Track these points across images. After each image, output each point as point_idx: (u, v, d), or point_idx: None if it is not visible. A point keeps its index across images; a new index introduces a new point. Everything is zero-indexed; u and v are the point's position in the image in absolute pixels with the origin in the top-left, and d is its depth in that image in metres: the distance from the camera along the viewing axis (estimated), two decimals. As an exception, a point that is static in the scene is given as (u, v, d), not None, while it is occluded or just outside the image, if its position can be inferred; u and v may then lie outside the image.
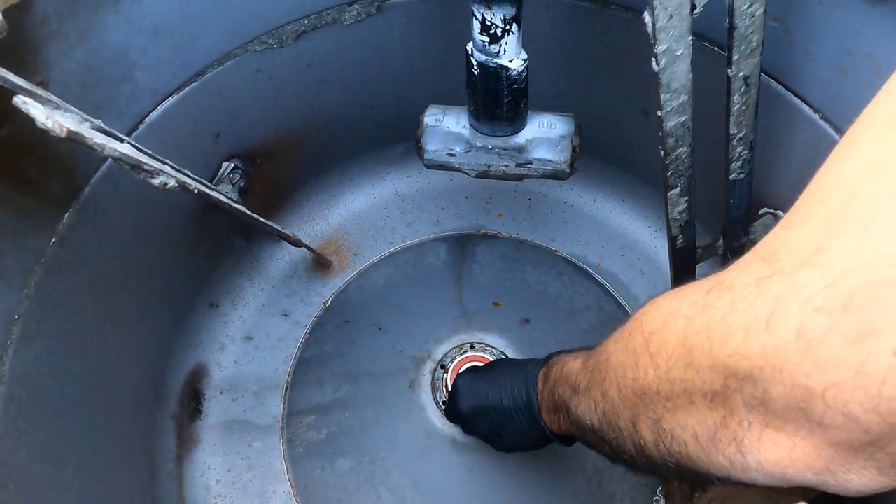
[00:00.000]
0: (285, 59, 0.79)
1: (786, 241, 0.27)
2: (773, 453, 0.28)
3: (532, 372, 0.62)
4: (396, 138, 1.02)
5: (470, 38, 0.61)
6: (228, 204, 0.60)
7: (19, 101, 0.37)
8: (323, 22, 0.77)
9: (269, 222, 0.75)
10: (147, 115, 0.69)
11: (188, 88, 0.72)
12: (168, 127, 0.71)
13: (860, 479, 0.26)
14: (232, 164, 0.83)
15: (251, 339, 0.95)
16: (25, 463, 0.56)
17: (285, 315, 0.97)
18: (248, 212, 0.68)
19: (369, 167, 1.05)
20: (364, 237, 1.04)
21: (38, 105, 0.37)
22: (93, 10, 0.56)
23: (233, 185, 0.83)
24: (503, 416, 0.64)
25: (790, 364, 0.25)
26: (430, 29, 0.84)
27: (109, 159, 0.66)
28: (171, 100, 0.70)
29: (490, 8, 0.55)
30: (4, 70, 0.38)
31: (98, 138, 0.41)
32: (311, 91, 0.86)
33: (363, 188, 1.06)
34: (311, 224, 1.03)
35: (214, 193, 0.57)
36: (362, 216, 1.05)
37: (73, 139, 0.39)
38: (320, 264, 1.00)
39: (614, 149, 0.98)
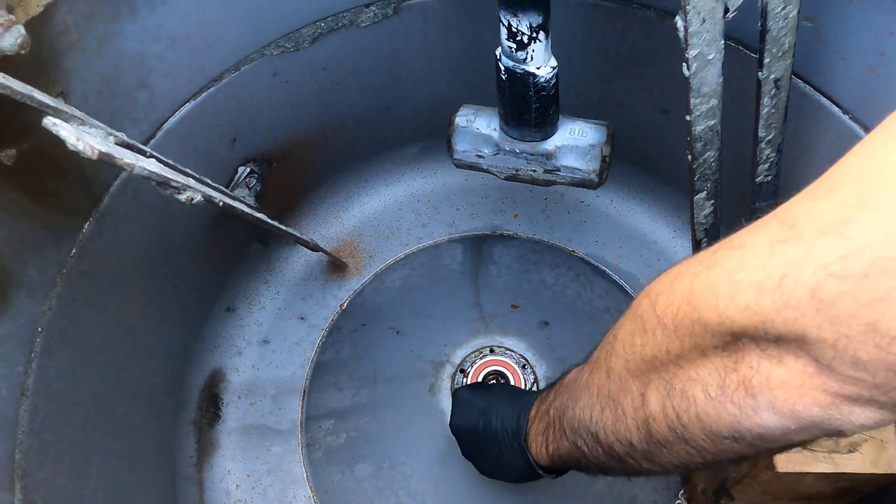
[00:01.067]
0: (301, 62, 0.78)
1: (809, 209, 0.28)
2: (783, 390, 0.29)
3: (528, 399, 0.59)
4: (412, 139, 1.01)
5: (497, 42, 0.60)
6: (251, 215, 0.59)
7: (49, 122, 0.37)
8: (339, 24, 0.76)
9: (288, 229, 0.74)
10: (165, 122, 0.68)
11: (205, 94, 0.71)
12: (185, 133, 0.71)
13: (863, 412, 0.28)
14: (248, 169, 0.83)
15: (268, 343, 0.95)
16: (51, 475, 0.56)
17: (302, 318, 0.97)
18: (268, 220, 0.67)
19: (384, 168, 1.04)
20: (379, 239, 1.03)
21: (68, 126, 0.36)
22: (110, 20, 0.56)
23: (249, 189, 0.83)
24: (490, 438, 0.62)
25: (803, 318, 0.27)
26: (447, 30, 0.82)
27: (128, 168, 0.65)
28: (187, 106, 0.70)
29: (516, 15, 0.54)
30: (31, 88, 0.38)
31: (128, 157, 0.40)
32: (327, 94, 0.85)
33: (377, 190, 1.05)
34: (325, 226, 1.03)
35: (238, 205, 0.56)
36: (377, 218, 1.04)
37: (104, 161, 0.39)
38: (336, 267, 1.00)
39: (633, 148, 0.96)
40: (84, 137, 0.37)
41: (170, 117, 0.69)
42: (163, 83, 0.65)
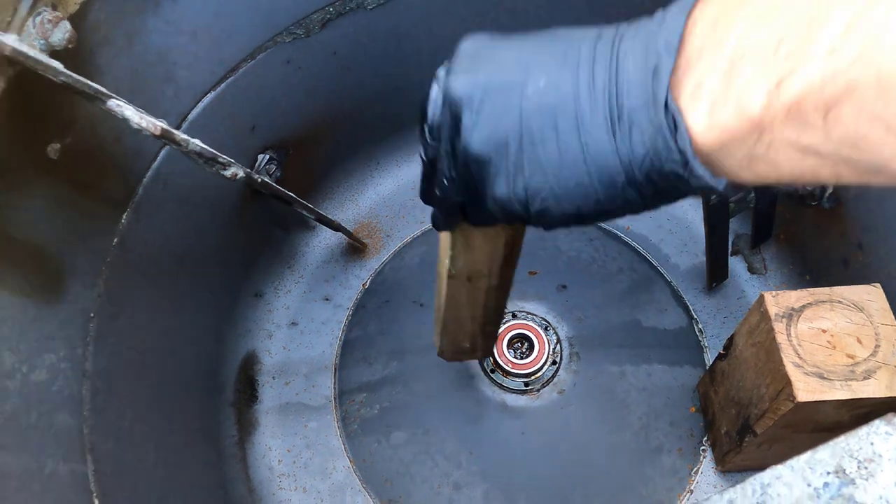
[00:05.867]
0: (312, 48, 0.80)
1: None
2: None
3: (669, 9, 0.29)
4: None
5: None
6: (285, 193, 0.62)
7: (113, 104, 0.40)
8: (347, 8, 0.79)
9: (316, 209, 0.77)
10: (188, 114, 0.71)
11: (224, 84, 0.73)
12: (208, 124, 0.74)
13: None
14: (267, 156, 0.85)
15: (296, 325, 0.98)
16: (115, 450, 0.59)
17: (327, 299, 1.00)
18: (298, 199, 0.70)
19: (395, 148, 1.07)
20: (395, 218, 1.06)
21: (131, 107, 0.39)
22: (137, 15, 0.58)
23: (269, 175, 0.86)
24: (564, 110, 0.30)
25: None
26: (451, 6, 0.85)
27: (157, 159, 0.69)
28: (209, 97, 0.72)
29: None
30: (88, 81, 0.40)
31: (181, 135, 0.43)
32: (338, 77, 0.87)
33: (390, 170, 1.08)
34: (342, 209, 1.06)
35: (272, 183, 0.59)
36: (392, 197, 1.07)
37: (165, 137, 0.42)
38: (355, 248, 1.03)
39: (637, 112, 0.99)
40: (145, 116, 0.40)
41: (192, 109, 0.72)
42: (186, 75, 0.68)
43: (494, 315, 0.61)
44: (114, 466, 0.58)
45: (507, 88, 0.31)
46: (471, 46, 0.34)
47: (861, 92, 0.22)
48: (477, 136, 0.32)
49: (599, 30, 0.31)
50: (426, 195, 0.39)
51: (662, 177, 0.29)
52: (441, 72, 0.34)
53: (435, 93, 0.34)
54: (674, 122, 0.27)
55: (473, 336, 0.65)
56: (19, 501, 0.44)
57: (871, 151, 0.23)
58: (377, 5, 0.81)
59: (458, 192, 0.35)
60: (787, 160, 0.25)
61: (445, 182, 0.35)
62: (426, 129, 0.35)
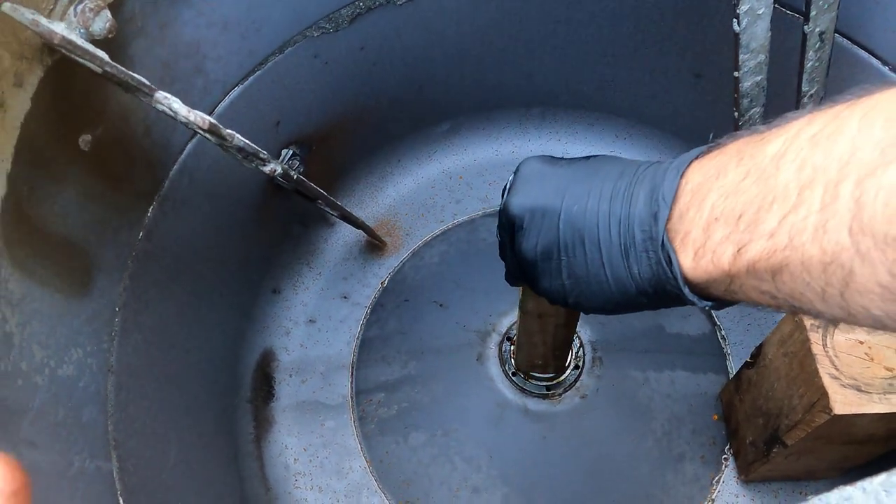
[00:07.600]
0: (340, 42, 0.79)
1: None
2: None
3: (659, 170, 0.37)
4: (443, 117, 1.03)
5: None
6: (316, 190, 0.61)
7: (161, 96, 0.39)
8: (377, 3, 0.78)
9: (341, 206, 0.76)
10: (216, 107, 0.70)
11: (252, 77, 0.72)
12: (234, 118, 0.73)
13: None
14: (291, 152, 0.84)
15: (314, 323, 0.97)
16: (138, 447, 0.59)
17: (345, 297, 0.99)
18: (330, 197, 0.69)
19: (416, 147, 1.05)
20: (415, 217, 1.05)
21: (178, 100, 0.38)
22: (171, 5, 0.57)
23: (293, 171, 0.85)
24: (576, 229, 0.39)
25: None
26: (480, 4, 0.83)
27: (184, 153, 0.68)
28: (236, 90, 0.71)
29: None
30: (133, 73, 0.39)
31: (227, 130, 0.42)
32: (363, 74, 0.86)
33: (410, 168, 1.07)
34: (362, 207, 1.05)
35: (306, 181, 0.58)
36: (412, 196, 1.06)
37: (212, 131, 0.41)
38: (374, 246, 1.02)
39: (664, 115, 0.98)
40: (193, 110, 0.39)
41: (220, 102, 0.71)
42: (216, 68, 0.67)
43: (563, 343, 0.73)
44: (137, 463, 0.57)
45: (549, 212, 0.41)
46: (527, 170, 0.44)
47: (792, 267, 0.29)
48: (525, 245, 0.42)
49: (622, 167, 0.39)
50: (501, 256, 0.49)
51: (666, 292, 0.38)
52: (508, 182, 0.44)
53: (506, 189, 0.44)
54: (668, 257, 0.35)
55: (545, 357, 0.77)
56: (48, 500, 0.43)
57: (807, 305, 0.30)
58: (406, 1, 0.79)
59: (517, 275, 0.46)
60: (755, 297, 0.33)
61: (508, 263, 0.47)
62: (498, 221, 0.45)
